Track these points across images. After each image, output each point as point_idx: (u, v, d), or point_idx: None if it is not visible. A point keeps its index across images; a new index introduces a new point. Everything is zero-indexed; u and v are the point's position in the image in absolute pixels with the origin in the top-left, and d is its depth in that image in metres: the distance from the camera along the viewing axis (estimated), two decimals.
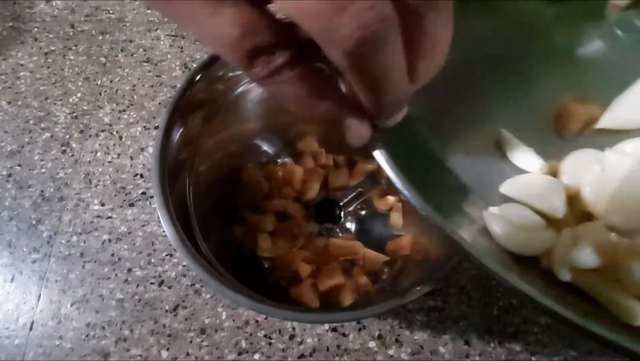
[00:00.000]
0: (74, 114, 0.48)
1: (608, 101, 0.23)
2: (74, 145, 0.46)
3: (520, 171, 0.24)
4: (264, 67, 0.13)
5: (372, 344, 0.36)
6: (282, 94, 0.14)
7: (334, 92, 0.15)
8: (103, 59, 0.52)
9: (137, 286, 0.38)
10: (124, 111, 0.48)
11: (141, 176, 0.44)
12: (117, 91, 0.49)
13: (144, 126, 0.47)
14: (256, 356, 0.35)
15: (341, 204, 0.40)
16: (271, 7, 0.13)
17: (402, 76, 0.14)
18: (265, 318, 0.37)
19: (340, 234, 0.39)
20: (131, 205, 0.42)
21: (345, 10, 0.11)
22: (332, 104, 0.15)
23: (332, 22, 0.11)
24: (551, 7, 0.25)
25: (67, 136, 0.47)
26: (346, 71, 0.13)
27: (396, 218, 0.39)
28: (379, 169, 0.41)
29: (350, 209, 0.40)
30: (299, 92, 0.14)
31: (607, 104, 0.23)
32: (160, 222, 0.28)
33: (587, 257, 0.18)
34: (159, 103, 0.48)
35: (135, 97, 0.49)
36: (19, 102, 0.49)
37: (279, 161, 0.42)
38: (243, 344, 0.36)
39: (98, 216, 0.42)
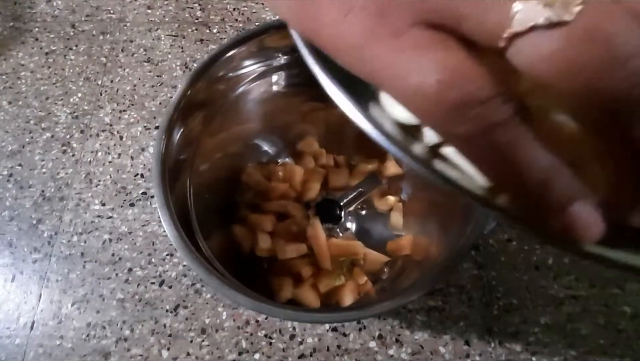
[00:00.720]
0: (75, 114, 0.48)
1: None
2: (74, 145, 0.46)
3: None
4: (475, 123, 0.10)
5: (372, 344, 0.36)
6: (485, 158, 0.11)
7: (559, 164, 0.11)
8: (104, 59, 0.52)
9: (137, 286, 0.38)
10: (124, 111, 0.48)
11: (142, 176, 0.44)
12: (117, 90, 0.50)
13: (145, 126, 0.47)
14: (256, 356, 0.35)
15: (341, 204, 0.40)
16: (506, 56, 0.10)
17: None
18: (266, 318, 0.37)
19: (341, 234, 0.40)
20: (132, 205, 0.42)
21: (619, 67, 0.09)
22: (560, 179, 0.11)
23: (597, 82, 0.09)
24: None
25: (68, 136, 0.47)
26: (600, 143, 0.10)
27: (396, 218, 0.39)
28: (379, 169, 0.41)
29: (351, 209, 0.40)
30: (513, 158, 0.11)
31: None
32: (160, 222, 0.28)
33: None
34: (160, 103, 0.49)
35: (135, 97, 0.49)
36: (20, 102, 0.49)
37: (279, 161, 0.42)
38: (243, 344, 0.36)
39: (99, 216, 0.42)
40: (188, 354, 0.36)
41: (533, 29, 0.09)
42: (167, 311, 0.37)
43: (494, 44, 0.10)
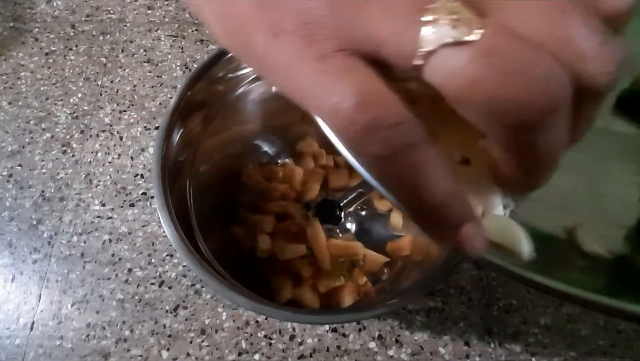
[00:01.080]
0: (75, 115, 0.48)
1: None
2: (74, 145, 0.46)
3: None
4: (385, 145, 0.11)
5: (372, 344, 0.36)
6: (392, 179, 0.12)
7: (455, 187, 0.13)
8: (104, 60, 0.52)
9: (137, 287, 0.38)
10: (124, 111, 0.48)
11: (141, 176, 0.44)
12: (117, 91, 0.50)
13: (145, 127, 0.47)
14: (256, 356, 0.35)
15: (341, 204, 0.40)
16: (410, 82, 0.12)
17: (564, 148, 0.12)
18: (266, 319, 0.37)
19: (341, 235, 0.40)
20: (131, 205, 0.42)
21: (518, 78, 0.10)
22: (456, 202, 0.13)
23: (501, 93, 0.10)
24: None
25: (68, 137, 0.47)
26: (504, 147, 0.12)
27: (396, 219, 0.39)
28: None
29: (351, 209, 0.40)
30: (417, 181, 0.12)
31: None
32: (160, 222, 0.28)
33: None
34: (160, 103, 0.49)
35: (135, 97, 0.49)
36: (20, 103, 0.49)
37: (279, 161, 0.42)
38: (243, 344, 0.36)
39: (98, 217, 0.42)
40: (188, 354, 0.36)
41: (443, 47, 0.10)
42: (166, 311, 0.37)
43: (411, 64, 0.11)
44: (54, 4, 0.57)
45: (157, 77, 0.50)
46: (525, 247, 0.20)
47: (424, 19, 0.11)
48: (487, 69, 0.10)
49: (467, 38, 0.10)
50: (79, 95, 0.50)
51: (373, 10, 0.11)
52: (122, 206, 0.42)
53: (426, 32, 0.11)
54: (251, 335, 0.36)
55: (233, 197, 0.40)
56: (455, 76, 0.10)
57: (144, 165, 0.45)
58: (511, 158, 0.12)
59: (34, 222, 0.42)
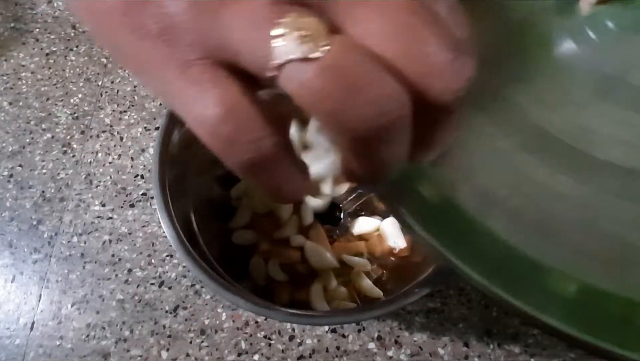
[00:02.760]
0: (75, 115, 0.48)
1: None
2: (74, 146, 0.46)
3: None
4: (244, 154, 0.12)
5: (371, 345, 0.36)
6: (257, 182, 0.14)
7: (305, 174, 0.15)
8: (104, 60, 0.52)
9: (137, 287, 0.38)
10: (124, 111, 0.48)
11: (142, 177, 0.44)
12: (118, 91, 0.50)
13: (145, 127, 0.47)
14: (256, 357, 0.35)
15: (341, 205, 0.40)
16: (264, 92, 0.13)
17: (405, 153, 0.13)
18: (265, 319, 0.37)
19: (341, 236, 0.40)
20: (132, 206, 0.42)
21: (356, 96, 0.10)
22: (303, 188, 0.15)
23: (340, 108, 0.11)
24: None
25: (68, 137, 0.47)
26: (348, 152, 0.13)
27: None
28: None
29: (350, 210, 0.40)
30: (277, 181, 0.13)
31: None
32: (160, 223, 0.28)
33: None
34: (160, 104, 0.49)
35: (136, 98, 0.49)
36: (20, 103, 0.49)
37: None
38: (243, 345, 0.36)
39: (99, 217, 0.42)
40: (187, 355, 0.36)
41: (291, 61, 0.11)
42: (166, 312, 0.37)
43: (265, 75, 0.11)
44: (55, 4, 0.57)
45: None
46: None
47: (273, 32, 0.11)
48: (328, 85, 0.10)
49: (311, 55, 0.10)
50: (80, 95, 0.50)
51: (230, 16, 0.11)
52: (122, 207, 0.42)
53: (276, 45, 0.11)
54: (251, 335, 0.36)
55: (233, 197, 0.40)
56: (303, 89, 0.11)
57: (144, 165, 0.45)
58: (356, 160, 0.13)
59: (34, 222, 0.42)
